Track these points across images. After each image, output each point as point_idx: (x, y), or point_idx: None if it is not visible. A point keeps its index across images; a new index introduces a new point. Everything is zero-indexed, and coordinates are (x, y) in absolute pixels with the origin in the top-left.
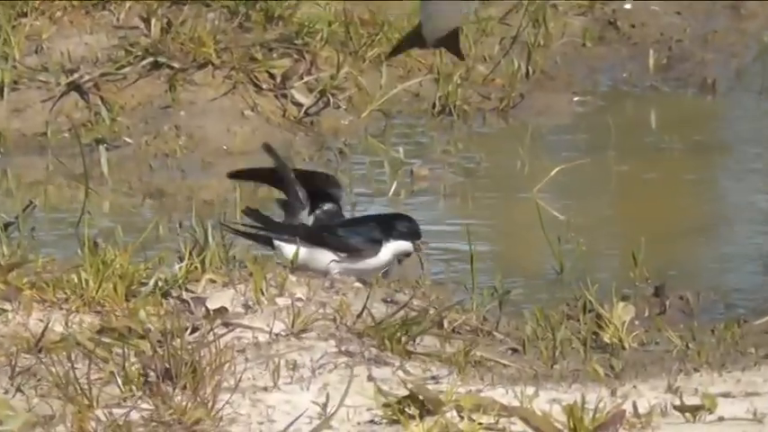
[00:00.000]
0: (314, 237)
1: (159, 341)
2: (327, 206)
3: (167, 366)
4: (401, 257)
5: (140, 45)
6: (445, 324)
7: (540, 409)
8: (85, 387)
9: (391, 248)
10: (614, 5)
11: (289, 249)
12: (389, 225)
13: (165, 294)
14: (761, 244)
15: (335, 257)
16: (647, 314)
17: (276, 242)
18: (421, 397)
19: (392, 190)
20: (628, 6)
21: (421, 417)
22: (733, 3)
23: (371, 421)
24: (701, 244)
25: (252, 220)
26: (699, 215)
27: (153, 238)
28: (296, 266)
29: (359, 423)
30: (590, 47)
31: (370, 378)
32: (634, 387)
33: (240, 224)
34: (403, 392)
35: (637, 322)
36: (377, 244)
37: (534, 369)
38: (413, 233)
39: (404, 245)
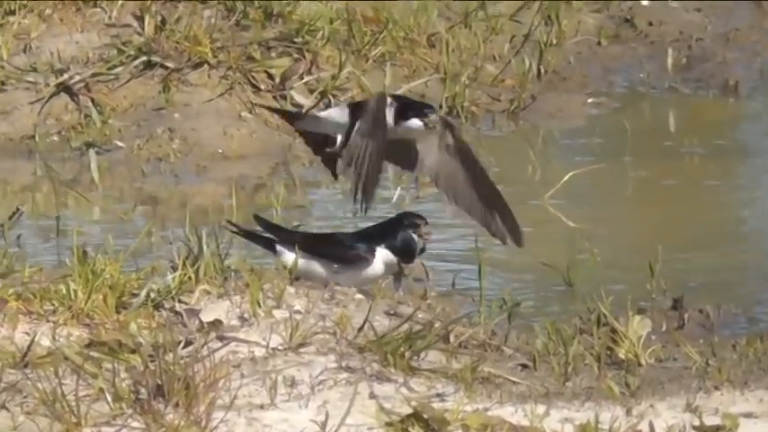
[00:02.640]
0: (311, 246)
1: (151, 356)
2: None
3: (159, 382)
4: (395, 270)
5: (133, 44)
6: (451, 338)
7: (551, 428)
8: (73, 404)
9: (381, 257)
10: (631, 2)
11: (289, 257)
12: (385, 232)
13: (158, 306)
14: None
15: (333, 267)
16: (664, 328)
17: (278, 248)
18: (425, 416)
19: (396, 196)
20: (645, 3)
21: None
22: None
23: None
24: (721, 254)
25: (258, 224)
26: (720, 223)
27: (145, 246)
28: (296, 275)
29: None
30: (605, 46)
31: (372, 395)
32: (651, 406)
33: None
34: (406, 411)
35: (654, 337)
36: (370, 253)
37: (545, 386)
38: (405, 248)
39: (388, 256)
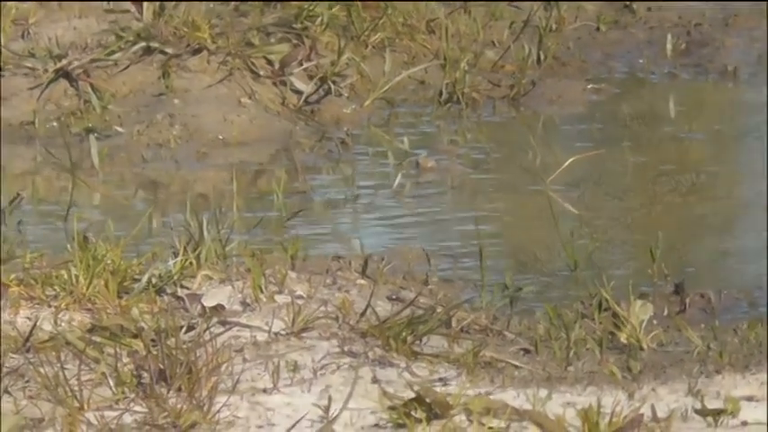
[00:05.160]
0: None
1: (153, 340)
2: None
3: (161, 367)
4: None
5: (132, 30)
6: (453, 323)
7: (553, 412)
8: (76, 389)
9: None
10: None
11: None
12: None
13: (159, 291)
14: None
15: None
16: (665, 313)
17: None
18: (428, 399)
19: (396, 182)
20: None
21: (428, 420)
22: None
23: (376, 425)
24: (722, 239)
25: None
26: (720, 209)
27: (146, 232)
28: None
29: (363, 427)
30: (605, 31)
31: (375, 380)
32: (652, 390)
33: None
34: (409, 395)
35: (655, 321)
36: None
37: (547, 371)
38: None
39: None
